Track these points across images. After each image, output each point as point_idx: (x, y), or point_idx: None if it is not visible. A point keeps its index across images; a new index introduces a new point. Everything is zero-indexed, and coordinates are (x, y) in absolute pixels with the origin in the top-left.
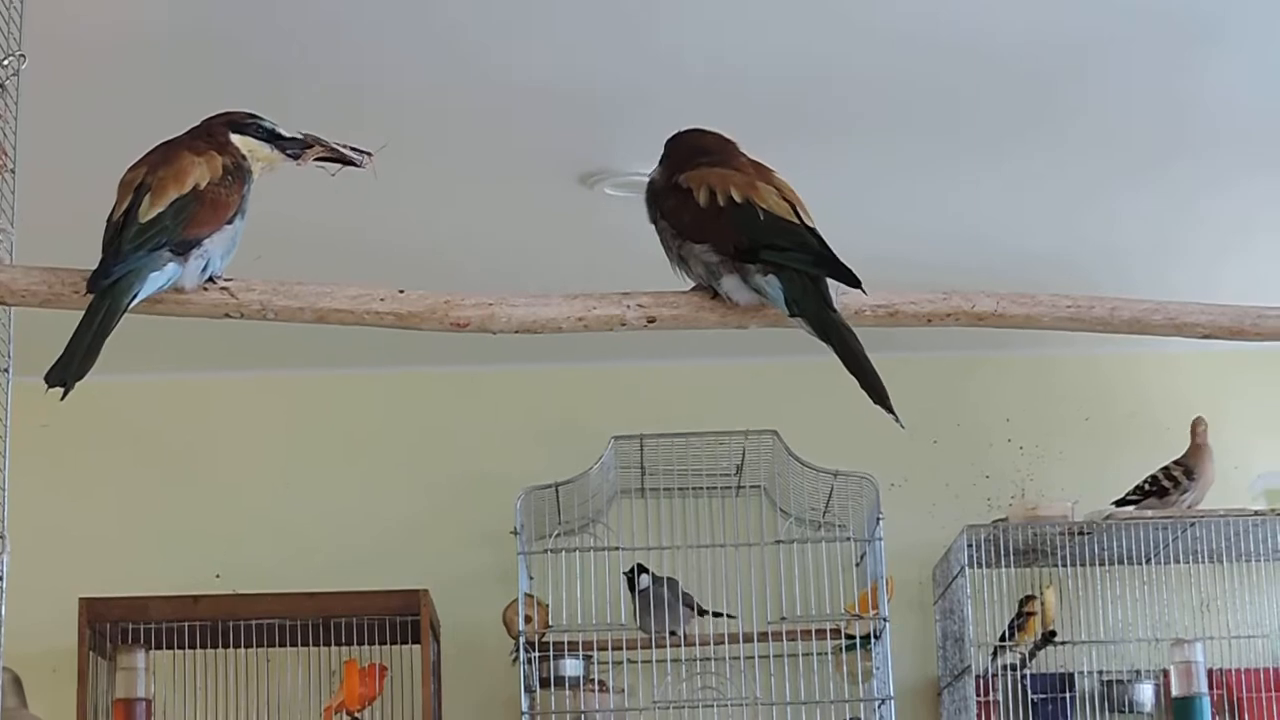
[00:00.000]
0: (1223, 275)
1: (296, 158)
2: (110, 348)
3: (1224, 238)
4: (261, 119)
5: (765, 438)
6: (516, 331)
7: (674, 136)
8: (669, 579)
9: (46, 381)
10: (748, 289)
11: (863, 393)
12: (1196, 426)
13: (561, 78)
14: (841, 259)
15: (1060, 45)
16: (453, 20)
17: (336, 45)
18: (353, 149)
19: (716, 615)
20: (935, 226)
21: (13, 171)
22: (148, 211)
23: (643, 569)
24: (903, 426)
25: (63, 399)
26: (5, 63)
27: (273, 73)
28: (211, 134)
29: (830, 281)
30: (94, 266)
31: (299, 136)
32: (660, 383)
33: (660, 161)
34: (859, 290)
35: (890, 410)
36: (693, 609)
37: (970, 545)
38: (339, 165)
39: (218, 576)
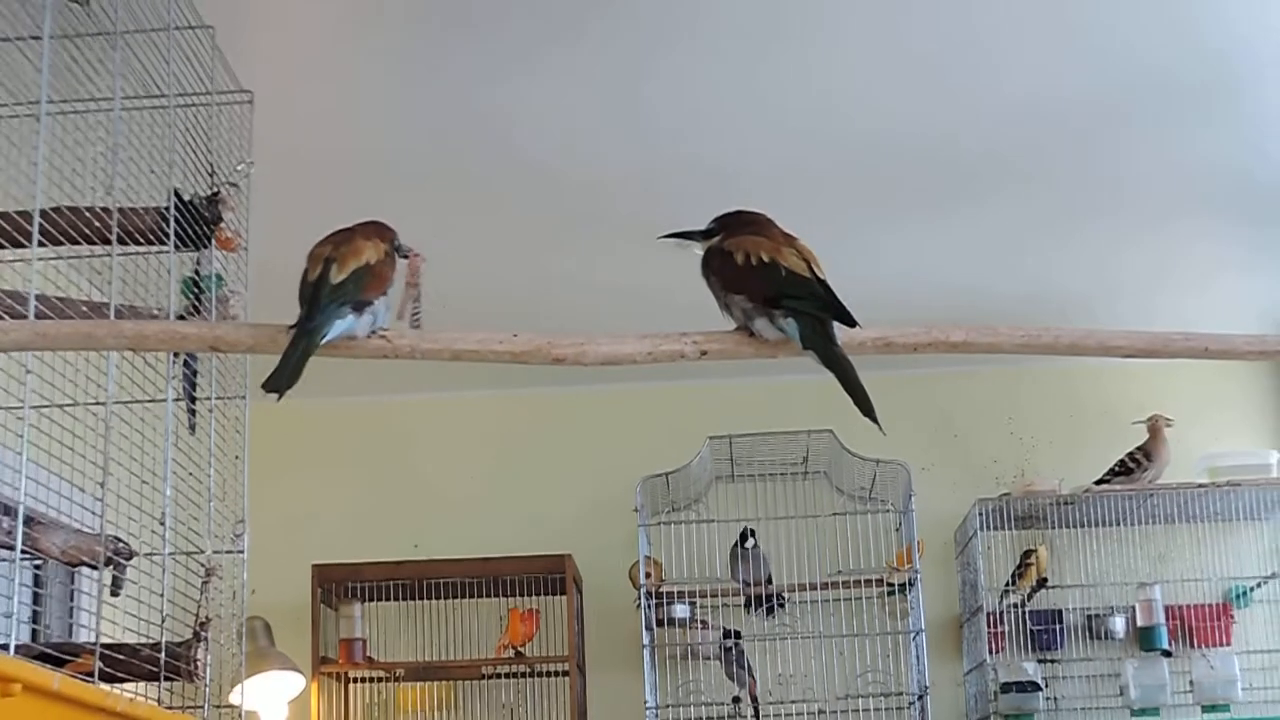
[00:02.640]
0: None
1: (404, 256)
2: (330, 376)
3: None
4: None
5: (824, 435)
6: (602, 364)
7: (726, 213)
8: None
9: (263, 388)
10: (774, 328)
11: (900, 400)
12: (1155, 421)
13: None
14: (845, 304)
15: (989, 142)
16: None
17: (478, 151)
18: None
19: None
20: (923, 274)
21: (245, 249)
22: (336, 277)
23: (752, 533)
24: (884, 434)
25: (278, 400)
26: (239, 167)
27: (433, 173)
28: (374, 230)
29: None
30: (287, 321)
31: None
32: (744, 395)
33: (709, 231)
34: (857, 327)
35: (875, 422)
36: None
37: (981, 514)
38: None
39: (416, 546)
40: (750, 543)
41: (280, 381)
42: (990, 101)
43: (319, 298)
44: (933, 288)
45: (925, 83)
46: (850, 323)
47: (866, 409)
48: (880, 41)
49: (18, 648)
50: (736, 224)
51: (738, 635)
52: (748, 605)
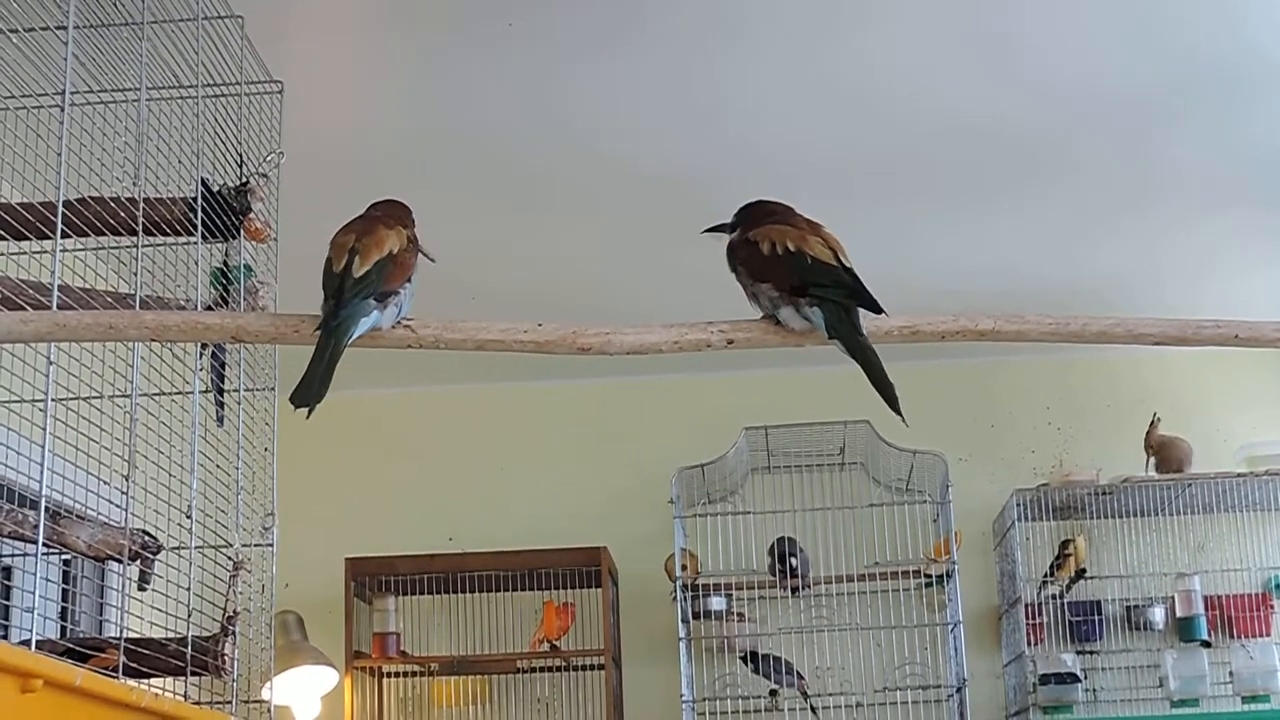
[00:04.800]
0: (1209, 291)
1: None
2: (363, 367)
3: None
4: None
5: (861, 426)
6: (628, 353)
7: (748, 204)
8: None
9: (291, 403)
10: (799, 317)
11: (937, 390)
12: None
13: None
14: (872, 291)
15: (1045, 127)
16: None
17: (511, 145)
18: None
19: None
20: (973, 260)
21: (275, 239)
22: (359, 269)
23: (800, 550)
24: (907, 425)
25: (308, 418)
26: (269, 158)
27: (464, 167)
28: (395, 215)
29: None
30: (310, 311)
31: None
32: (781, 386)
33: (734, 223)
34: (884, 314)
35: (899, 413)
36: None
37: (1019, 504)
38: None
39: (450, 539)
40: (794, 561)
41: (309, 395)
42: (1044, 87)
43: (344, 292)
44: (981, 274)
45: (981, 68)
46: (877, 310)
47: (890, 399)
48: (935, 26)
49: (42, 643)
50: (760, 214)
51: (777, 660)
52: (795, 591)
